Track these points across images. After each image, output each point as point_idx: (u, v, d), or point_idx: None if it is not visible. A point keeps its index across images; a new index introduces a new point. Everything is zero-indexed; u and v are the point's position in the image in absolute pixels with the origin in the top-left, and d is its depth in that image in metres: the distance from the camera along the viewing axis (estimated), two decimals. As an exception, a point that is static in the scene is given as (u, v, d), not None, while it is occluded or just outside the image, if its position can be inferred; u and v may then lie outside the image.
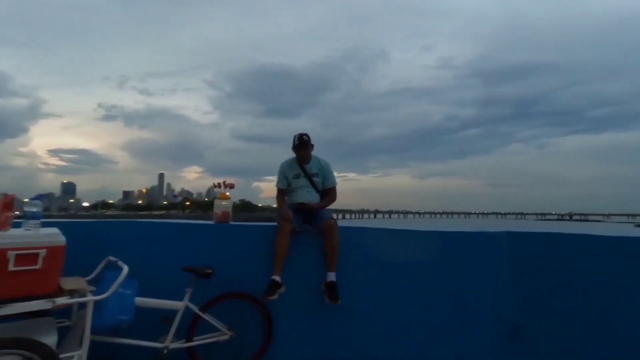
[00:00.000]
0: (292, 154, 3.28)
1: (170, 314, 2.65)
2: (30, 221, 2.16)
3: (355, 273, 3.05)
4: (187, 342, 2.73)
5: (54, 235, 2.15)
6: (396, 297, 3.05)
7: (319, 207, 3.17)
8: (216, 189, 3.20)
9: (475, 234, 3.17)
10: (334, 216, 3.06)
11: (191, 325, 2.75)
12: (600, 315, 2.85)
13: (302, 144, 3.17)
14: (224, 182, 3.23)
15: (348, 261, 3.02)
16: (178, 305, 2.67)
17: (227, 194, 3.24)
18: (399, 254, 3.10)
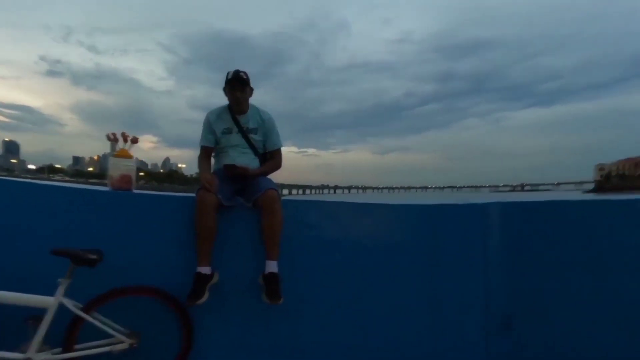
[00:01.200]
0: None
1: (39, 313, 1.87)
2: None
3: (304, 261, 2.29)
4: (64, 351, 1.94)
5: None
6: (359, 292, 2.32)
7: (256, 174, 2.31)
8: (112, 142, 2.26)
9: (459, 207, 2.45)
10: (282, 191, 2.24)
11: (70, 330, 1.97)
12: (615, 299, 2.25)
13: (237, 80, 2.28)
14: (123, 134, 2.29)
15: (295, 245, 2.26)
16: (47, 301, 1.87)
17: (129, 151, 2.32)
18: (363, 234, 2.34)
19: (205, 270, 2.08)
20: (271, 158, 2.49)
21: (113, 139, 2.26)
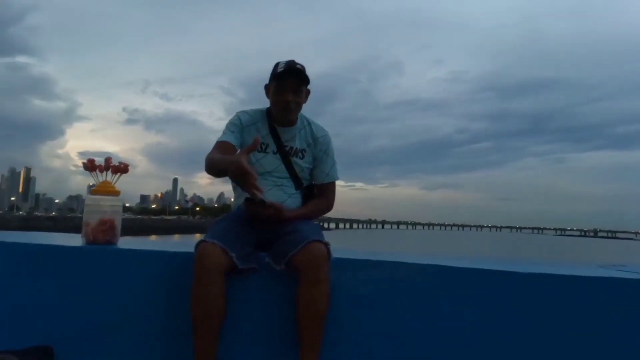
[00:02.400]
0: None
1: None
2: None
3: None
4: None
5: None
6: None
7: (295, 218, 1.48)
8: (88, 171, 1.53)
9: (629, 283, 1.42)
10: (328, 237, 1.38)
11: None
12: None
13: (292, 74, 1.49)
14: (107, 160, 1.55)
15: (343, 335, 1.37)
16: None
17: (114, 184, 1.57)
18: (469, 322, 1.38)
19: None
20: (320, 195, 1.64)
21: (90, 167, 1.53)
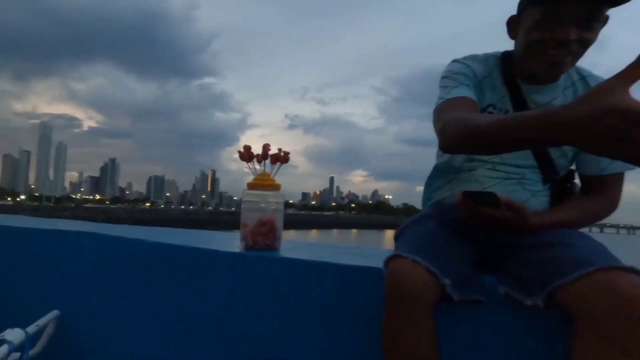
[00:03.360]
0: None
1: None
2: None
3: None
4: None
5: None
6: None
7: (551, 225, 0.88)
8: (244, 161, 1.26)
9: None
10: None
11: None
12: None
13: None
14: (264, 147, 1.27)
15: None
16: None
17: (274, 176, 1.28)
18: None
19: None
20: (593, 190, 1.00)
21: (246, 157, 1.26)
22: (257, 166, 1.28)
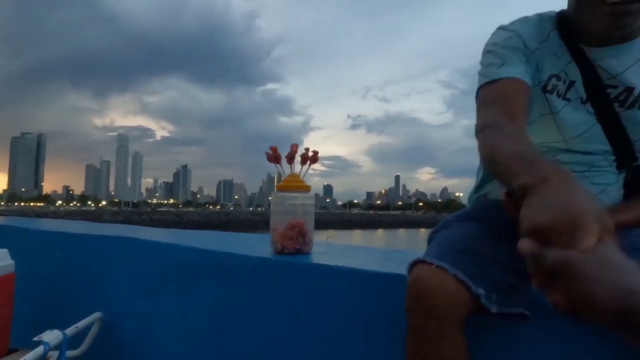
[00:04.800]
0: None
1: None
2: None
3: None
4: None
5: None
6: None
7: (632, 223, 0.71)
8: (272, 163, 1.21)
9: None
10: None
11: None
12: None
13: None
14: (293, 147, 1.21)
15: None
16: None
17: (302, 177, 1.22)
18: None
19: None
20: None
21: (273, 158, 1.21)
22: (299, 168, 1.24)
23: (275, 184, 1.26)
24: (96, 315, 1.26)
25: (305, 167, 1.23)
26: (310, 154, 1.22)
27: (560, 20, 0.85)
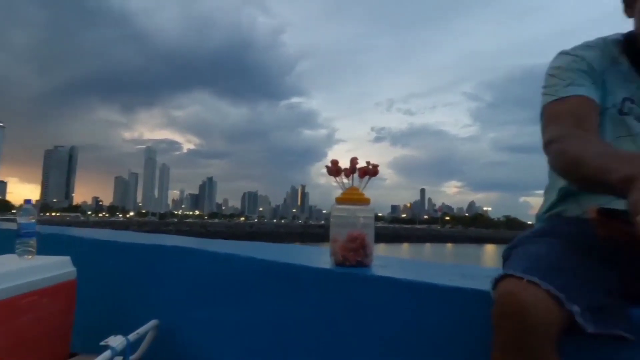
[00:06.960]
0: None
1: None
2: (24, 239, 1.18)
3: None
4: None
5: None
6: None
7: None
8: (332, 176, 1.22)
9: None
10: None
11: None
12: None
13: None
14: (352, 161, 1.22)
15: None
16: None
17: (361, 190, 1.22)
18: None
19: None
20: None
21: (334, 171, 1.23)
22: (345, 180, 1.25)
23: (335, 196, 1.27)
24: (153, 322, 1.30)
25: (365, 180, 1.24)
26: (370, 167, 1.23)
27: (628, 43, 0.86)
